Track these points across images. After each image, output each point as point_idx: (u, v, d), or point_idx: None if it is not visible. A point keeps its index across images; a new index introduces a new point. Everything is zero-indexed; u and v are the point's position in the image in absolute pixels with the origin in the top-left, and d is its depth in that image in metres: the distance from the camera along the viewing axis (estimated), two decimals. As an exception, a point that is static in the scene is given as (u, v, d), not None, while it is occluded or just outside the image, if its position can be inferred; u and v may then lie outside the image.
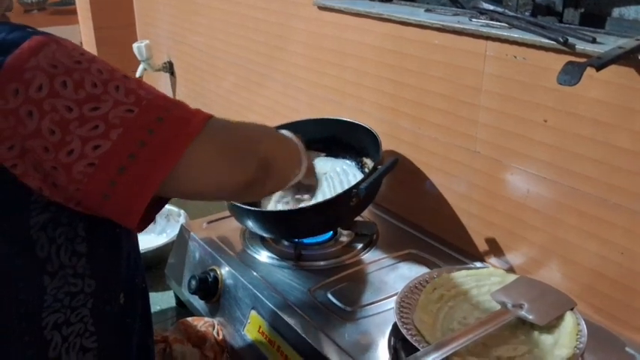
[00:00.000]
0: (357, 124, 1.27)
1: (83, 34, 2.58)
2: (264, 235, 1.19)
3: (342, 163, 1.29)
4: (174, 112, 0.65)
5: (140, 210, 0.63)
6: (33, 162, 0.61)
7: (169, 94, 2.27)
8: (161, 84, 2.36)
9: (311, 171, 1.00)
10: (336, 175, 1.23)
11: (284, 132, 0.93)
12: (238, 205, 1.12)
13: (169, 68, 2.28)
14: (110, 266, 0.75)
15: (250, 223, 1.14)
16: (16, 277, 0.66)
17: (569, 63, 0.77)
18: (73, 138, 0.60)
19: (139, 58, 2.21)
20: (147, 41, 2.21)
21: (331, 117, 1.34)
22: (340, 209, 1.10)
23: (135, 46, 2.20)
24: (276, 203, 1.20)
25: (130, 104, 0.62)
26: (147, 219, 0.67)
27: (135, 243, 0.82)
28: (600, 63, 0.77)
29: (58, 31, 0.88)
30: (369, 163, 1.27)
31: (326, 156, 1.32)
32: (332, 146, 1.32)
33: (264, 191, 0.83)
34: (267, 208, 1.21)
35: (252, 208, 1.13)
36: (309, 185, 1.07)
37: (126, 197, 0.63)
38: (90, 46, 2.46)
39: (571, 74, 0.75)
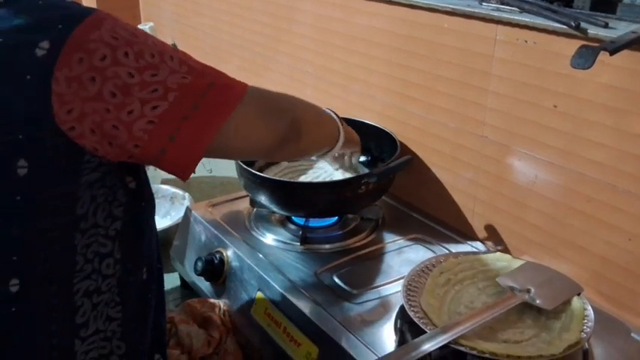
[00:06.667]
0: (379, 128, 1.29)
1: (87, 15, 2.56)
2: (273, 208, 1.18)
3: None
4: (221, 80, 0.74)
5: (195, 162, 0.72)
6: (91, 124, 0.66)
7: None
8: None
9: (350, 141, 1.11)
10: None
11: (324, 108, 1.05)
12: (253, 172, 1.14)
13: (174, 51, 2.26)
14: (135, 238, 0.79)
15: (262, 195, 1.15)
16: (52, 236, 0.69)
17: (583, 46, 0.76)
18: (133, 100, 0.66)
19: (143, 40, 2.19)
20: (151, 23, 2.19)
21: (357, 119, 1.31)
22: (348, 193, 1.10)
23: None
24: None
25: (184, 72, 0.70)
26: None
27: (153, 224, 0.85)
28: (614, 47, 0.77)
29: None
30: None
31: None
32: None
33: (298, 151, 0.94)
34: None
35: (265, 176, 1.16)
36: (355, 152, 1.17)
37: (182, 150, 0.70)
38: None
39: (585, 57, 0.74)
